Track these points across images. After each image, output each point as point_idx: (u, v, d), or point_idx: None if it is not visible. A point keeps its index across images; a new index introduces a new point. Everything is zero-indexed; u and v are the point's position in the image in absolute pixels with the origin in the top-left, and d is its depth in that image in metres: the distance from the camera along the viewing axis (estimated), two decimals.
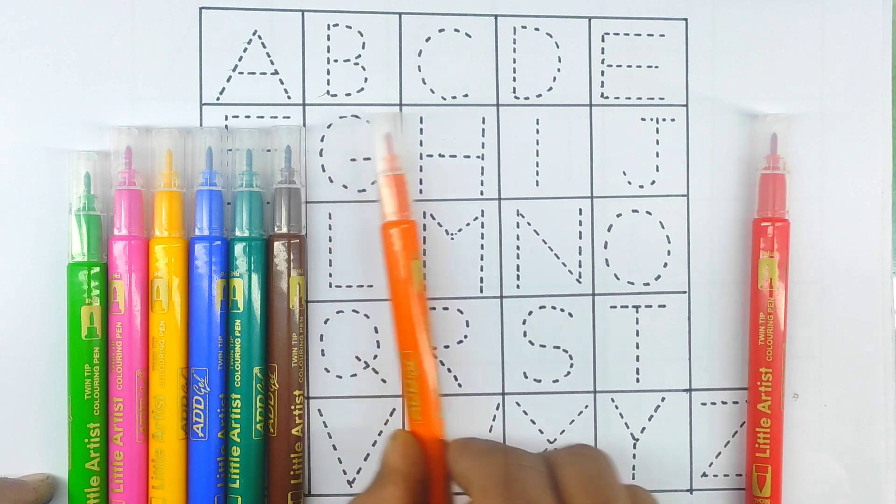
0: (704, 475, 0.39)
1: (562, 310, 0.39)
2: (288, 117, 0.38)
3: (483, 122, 0.39)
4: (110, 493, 0.36)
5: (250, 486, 0.37)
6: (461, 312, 0.39)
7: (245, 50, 0.38)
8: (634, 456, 0.39)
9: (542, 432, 0.39)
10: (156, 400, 0.36)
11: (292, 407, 0.37)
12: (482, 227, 0.39)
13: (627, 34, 0.39)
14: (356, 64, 0.39)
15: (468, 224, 0.39)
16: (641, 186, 0.39)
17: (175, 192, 0.37)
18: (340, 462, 0.38)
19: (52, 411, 0.37)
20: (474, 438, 0.33)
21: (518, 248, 0.39)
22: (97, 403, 0.36)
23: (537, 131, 0.39)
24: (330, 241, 0.38)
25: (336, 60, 0.39)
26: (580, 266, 0.39)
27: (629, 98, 0.39)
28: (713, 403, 0.39)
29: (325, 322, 0.38)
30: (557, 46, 0.39)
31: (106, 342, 0.36)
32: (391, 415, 0.39)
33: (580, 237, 0.39)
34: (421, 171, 0.39)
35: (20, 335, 0.37)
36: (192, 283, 0.37)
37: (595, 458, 0.32)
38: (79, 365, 0.36)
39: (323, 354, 0.38)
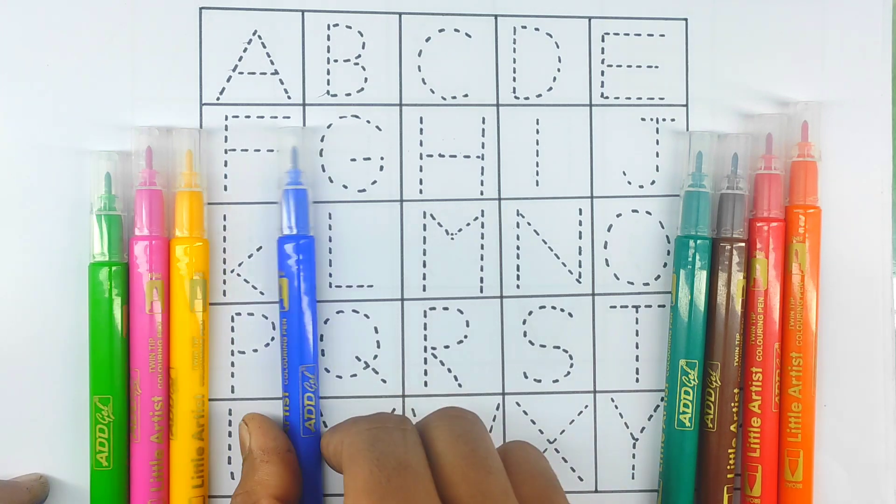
0: None
1: (562, 310, 0.41)
2: (288, 117, 0.40)
3: (483, 122, 0.41)
4: (132, 490, 0.38)
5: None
6: (461, 312, 0.40)
7: (245, 50, 0.40)
8: (634, 456, 0.41)
9: (542, 432, 0.41)
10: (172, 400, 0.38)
11: (732, 404, 0.39)
12: (482, 227, 0.41)
13: (627, 34, 0.41)
14: (356, 64, 0.40)
15: (468, 224, 0.41)
16: (641, 186, 0.41)
17: (196, 192, 0.38)
18: None
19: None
20: (353, 444, 0.34)
21: (518, 248, 0.41)
22: (120, 402, 0.38)
23: (537, 131, 0.41)
24: (330, 241, 0.40)
25: (336, 60, 0.40)
26: (580, 266, 0.41)
27: (629, 98, 0.41)
28: None
29: (325, 322, 0.40)
30: (557, 46, 0.41)
31: (127, 341, 0.38)
32: None
33: (580, 237, 0.41)
34: (421, 171, 0.40)
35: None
36: None
37: (464, 418, 0.33)
38: (101, 364, 0.38)
39: (323, 354, 0.40)
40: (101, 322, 0.38)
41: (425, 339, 0.40)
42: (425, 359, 0.40)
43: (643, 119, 0.41)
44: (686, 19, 0.41)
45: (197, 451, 0.38)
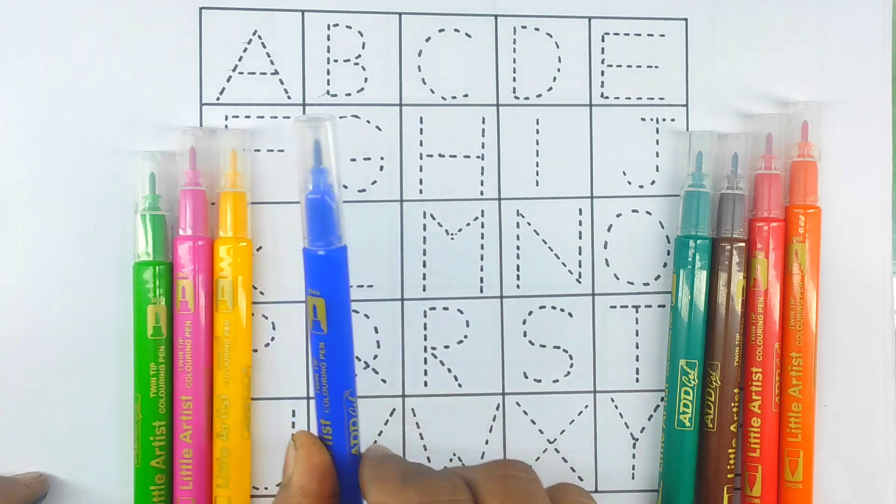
0: None
1: (562, 310, 0.41)
2: (288, 117, 0.40)
3: (483, 122, 0.41)
4: (176, 490, 0.38)
5: None
6: (461, 312, 0.41)
7: (245, 50, 0.40)
8: (634, 456, 0.41)
9: (542, 432, 0.41)
10: (220, 399, 0.38)
11: (732, 404, 0.39)
12: (482, 227, 0.41)
13: (627, 34, 0.41)
14: (356, 64, 0.40)
15: (468, 224, 0.41)
16: (641, 186, 0.41)
17: (240, 192, 0.39)
18: None
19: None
20: (387, 460, 0.31)
21: (518, 248, 0.41)
22: (163, 401, 0.38)
23: (537, 131, 0.41)
24: None
25: (336, 60, 0.40)
26: (580, 266, 0.41)
27: (629, 98, 0.41)
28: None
29: None
30: (557, 46, 0.41)
31: (171, 341, 0.38)
32: (391, 415, 0.40)
33: (580, 237, 0.41)
34: (421, 171, 0.41)
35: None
36: None
37: (518, 479, 0.30)
38: (145, 363, 0.38)
39: None
40: (144, 321, 0.38)
41: (425, 339, 0.41)
42: (425, 359, 0.41)
43: (643, 119, 0.41)
44: (686, 19, 0.41)
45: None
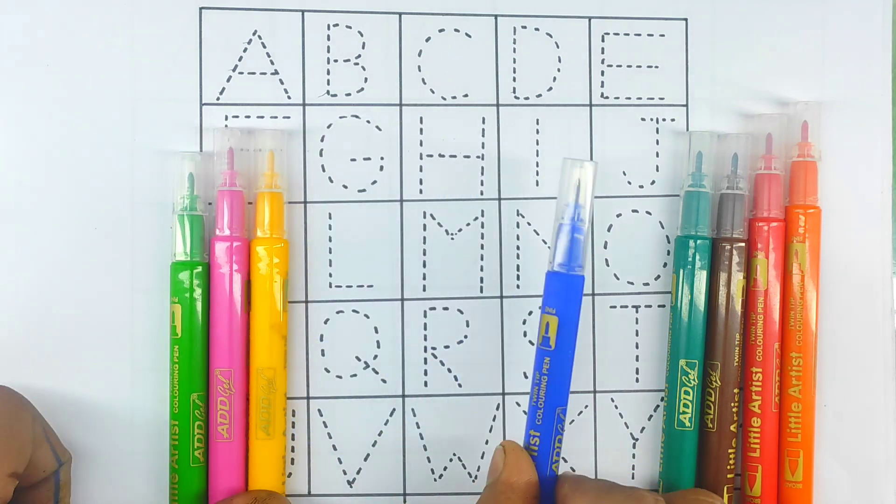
0: None
1: None
2: (288, 117, 0.40)
3: (483, 122, 0.41)
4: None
5: None
6: (461, 312, 0.41)
7: (245, 50, 0.40)
8: (634, 456, 0.41)
9: None
10: (256, 398, 0.39)
11: (732, 404, 0.39)
12: (482, 227, 0.41)
13: (627, 34, 0.41)
14: (356, 64, 0.41)
15: (468, 224, 0.41)
16: (641, 186, 0.41)
17: (276, 192, 0.39)
18: (340, 462, 0.40)
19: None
20: (584, 478, 0.33)
21: (518, 248, 0.41)
22: (201, 400, 0.38)
23: (537, 131, 0.41)
24: (330, 241, 0.40)
25: (336, 60, 0.40)
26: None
27: (629, 98, 0.41)
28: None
29: (325, 322, 0.40)
30: (557, 46, 0.41)
31: (207, 340, 0.38)
32: (391, 415, 0.40)
33: None
34: (421, 171, 0.41)
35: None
36: None
37: None
38: (195, 363, 0.38)
39: (323, 354, 0.40)
40: (187, 321, 0.38)
41: (425, 339, 0.41)
42: (425, 359, 0.41)
43: (643, 119, 0.41)
44: (686, 19, 0.41)
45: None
